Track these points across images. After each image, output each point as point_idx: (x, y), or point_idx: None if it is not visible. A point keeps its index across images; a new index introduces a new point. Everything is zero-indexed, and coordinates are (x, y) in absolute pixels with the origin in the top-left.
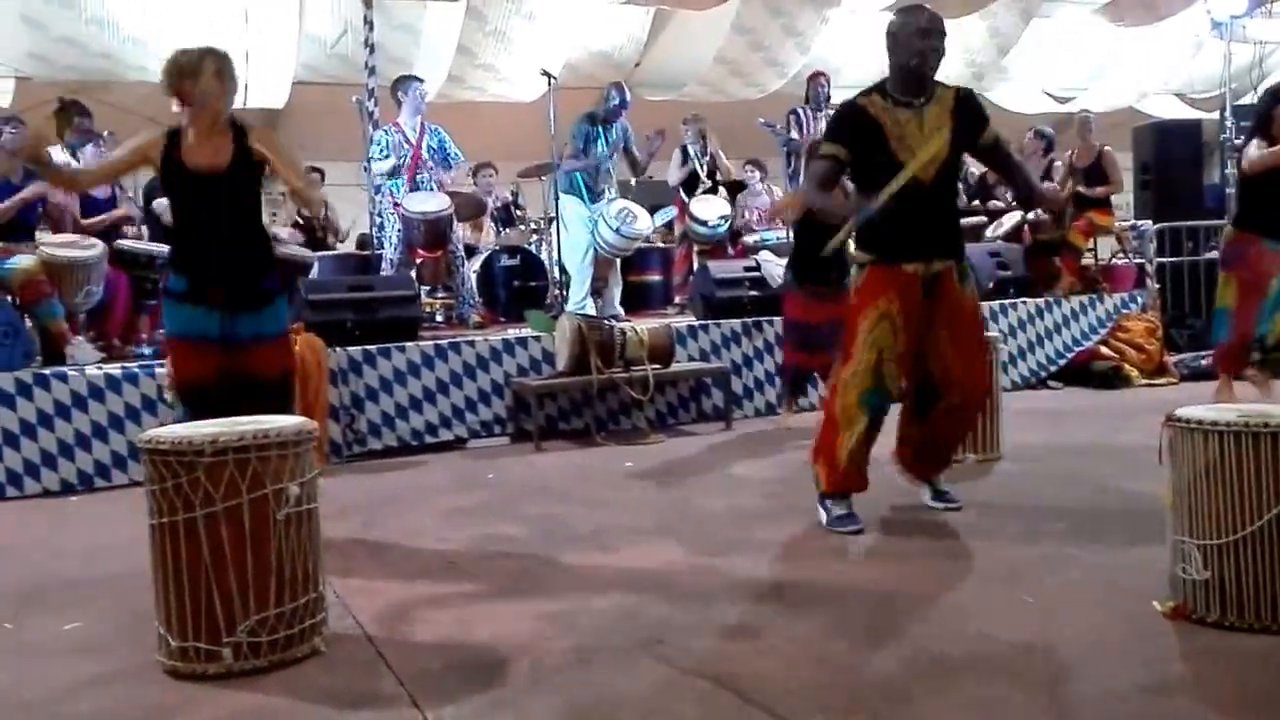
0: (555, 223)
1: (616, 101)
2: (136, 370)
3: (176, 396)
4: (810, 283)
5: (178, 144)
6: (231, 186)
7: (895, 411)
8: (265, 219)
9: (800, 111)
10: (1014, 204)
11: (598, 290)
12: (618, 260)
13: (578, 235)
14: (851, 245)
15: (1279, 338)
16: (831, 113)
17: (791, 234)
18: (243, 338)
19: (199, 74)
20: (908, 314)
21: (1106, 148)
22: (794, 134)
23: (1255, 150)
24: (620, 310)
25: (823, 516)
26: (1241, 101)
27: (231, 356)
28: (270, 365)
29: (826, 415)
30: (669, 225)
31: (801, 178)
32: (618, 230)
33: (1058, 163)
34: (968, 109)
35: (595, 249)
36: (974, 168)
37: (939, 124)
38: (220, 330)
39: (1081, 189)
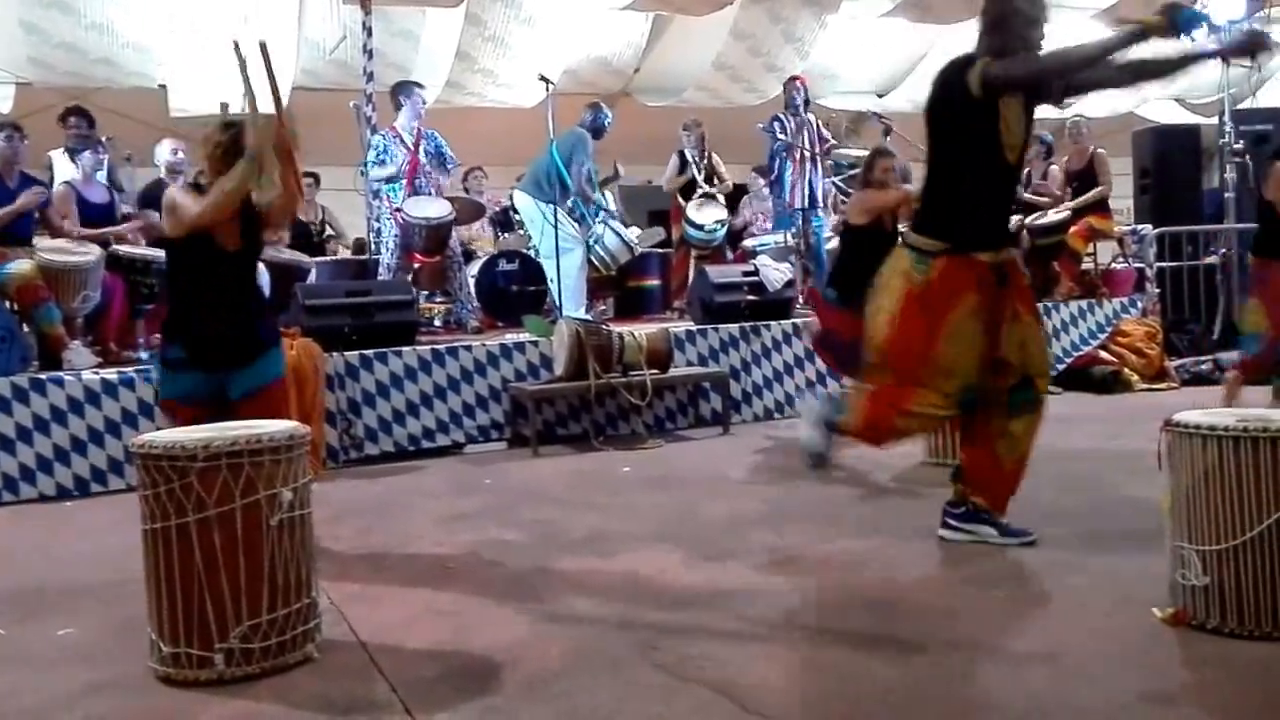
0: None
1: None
2: (133, 375)
3: None
4: (851, 295)
5: None
6: (241, 255)
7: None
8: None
9: (782, 118)
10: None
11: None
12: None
13: (574, 249)
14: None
15: None
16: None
17: (839, 245)
18: (235, 396)
19: (206, 143)
20: (990, 310)
21: (1099, 150)
22: (780, 136)
23: None
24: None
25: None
26: (1240, 106)
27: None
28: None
29: (877, 414)
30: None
31: (788, 180)
32: (626, 241)
33: (1054, 167)
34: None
35: (591, 259)
36: None
37: (1020, 110)
38: (209, 389)
39: (1075, 197)
